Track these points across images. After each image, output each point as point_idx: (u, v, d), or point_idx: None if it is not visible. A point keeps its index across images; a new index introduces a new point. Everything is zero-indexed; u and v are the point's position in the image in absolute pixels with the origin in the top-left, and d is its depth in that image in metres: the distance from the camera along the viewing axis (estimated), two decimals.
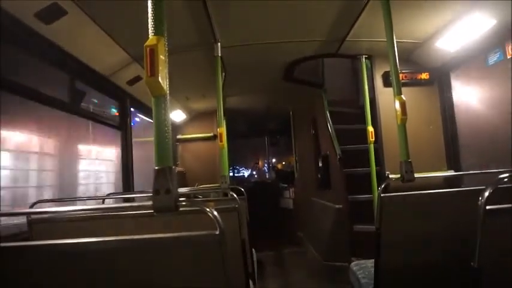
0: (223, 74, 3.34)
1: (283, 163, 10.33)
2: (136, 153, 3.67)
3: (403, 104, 1.84)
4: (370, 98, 3.39)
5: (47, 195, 2.67)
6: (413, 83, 3.38)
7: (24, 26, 1.95)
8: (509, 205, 1.03)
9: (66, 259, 0.94)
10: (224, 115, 2.97)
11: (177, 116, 5.04)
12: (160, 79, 0.97)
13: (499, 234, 1.03)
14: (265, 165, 10.66)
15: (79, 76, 2.72)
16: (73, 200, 2.64)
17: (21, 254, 0.93)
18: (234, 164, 9.71)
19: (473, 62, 2.94)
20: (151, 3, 1.02)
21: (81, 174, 3.24)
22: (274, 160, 10.73)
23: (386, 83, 3.40)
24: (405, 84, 3.01)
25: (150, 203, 0.93)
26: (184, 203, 0.96)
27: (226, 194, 2.54)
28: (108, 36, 2.50)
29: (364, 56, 3.40)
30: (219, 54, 2.87)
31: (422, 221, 1.62)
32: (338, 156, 3.66)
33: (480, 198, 1.03)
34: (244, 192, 2.57)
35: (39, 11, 1.92)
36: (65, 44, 2.31)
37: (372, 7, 2.43)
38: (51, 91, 2.43)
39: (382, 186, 1.68)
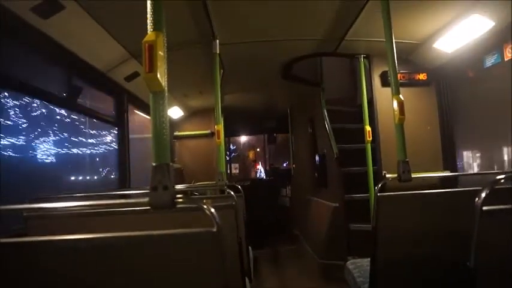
0: (221, 71, 3.33)
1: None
2: None
3: (401, 104, 1.84)
4: (368, 98, 3.40)
5: None
6: (411, 83, 3.38)
7: (21, 20, 1.92)
8: (506, 206, 1.03)
9: (62, 255, 0.94)
10: (222, 112, 2.96)
11: (175, 112, 5.03)
12: (158, 75, 0.96)
13: (495, 235, 1.04)
14: (261, 164, 10.65)
15: (76, 71, 2.70)
16: (69, 196, 2.62)
17: (17, 250, 0.92)
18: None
19: (471, 63, 2.95)
20: None
21: None
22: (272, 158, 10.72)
23: (385, 82, 3.40)
24: (403, 85, 3.00)
25: (146, 199, 0.93)
26: (181, 200, 0.96)
27: (223, 191, 2.53)
28: (106, 31, 2.48)
29: (362, 56, 3.40)
30: (217, 51, 2.86)
31: (419, 221, 1.62)
32: (335, 155, 3.67)
33: (477, 198, 1.03)
34: (241, 190, 2.57)
35: (36, 6, 1.90)
36: (62, 39, 2.29)
37: (371, 7, 2.43)
38: (48, 86, 2.41)
39: (379, 185, 1.69)
